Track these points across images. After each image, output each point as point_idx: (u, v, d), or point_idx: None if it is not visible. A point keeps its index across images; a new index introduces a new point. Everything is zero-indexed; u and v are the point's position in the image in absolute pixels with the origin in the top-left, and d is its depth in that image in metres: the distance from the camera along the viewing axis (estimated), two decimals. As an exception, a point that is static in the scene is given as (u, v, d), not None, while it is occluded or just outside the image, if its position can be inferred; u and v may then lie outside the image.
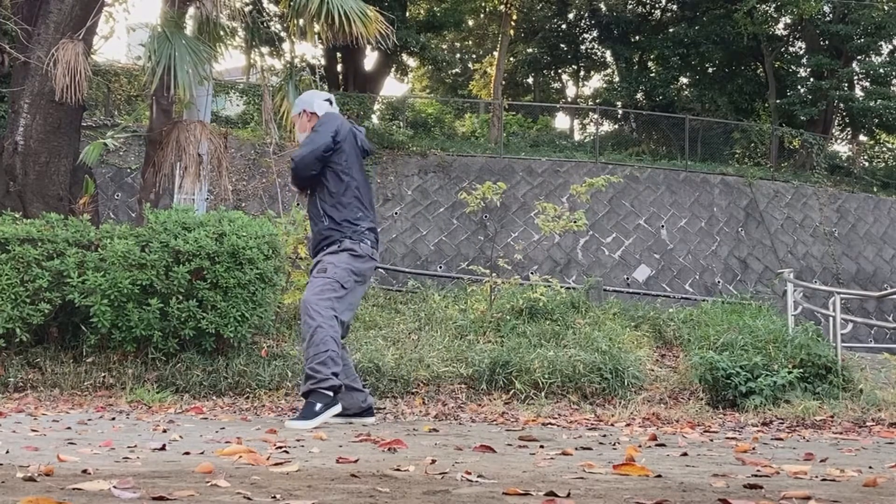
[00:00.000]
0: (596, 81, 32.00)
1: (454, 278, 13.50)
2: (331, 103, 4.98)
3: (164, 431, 3.89)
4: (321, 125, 4.75)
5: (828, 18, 24.01)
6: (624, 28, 27.71)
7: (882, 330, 16.58)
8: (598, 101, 28.83)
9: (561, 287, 9.20)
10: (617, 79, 28.83)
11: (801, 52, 26.33)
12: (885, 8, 22.80)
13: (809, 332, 7.73)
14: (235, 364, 6.46)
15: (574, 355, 7.03)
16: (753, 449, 3.66)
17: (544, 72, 31.18)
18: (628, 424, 5.14)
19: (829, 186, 20.48)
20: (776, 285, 16.91)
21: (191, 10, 8.05)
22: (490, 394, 6.72)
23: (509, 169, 18.57)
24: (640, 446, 3.63)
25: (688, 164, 20.34)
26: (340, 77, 22.69)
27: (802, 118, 23.34)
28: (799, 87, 24.72)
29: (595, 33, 29.35)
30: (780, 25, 25.83)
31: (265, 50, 22.09)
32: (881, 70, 23.68)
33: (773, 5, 22.93)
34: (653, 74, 27.42)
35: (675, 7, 28.14)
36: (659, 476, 2.52)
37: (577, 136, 28.77)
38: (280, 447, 3.25)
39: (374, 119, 22.12)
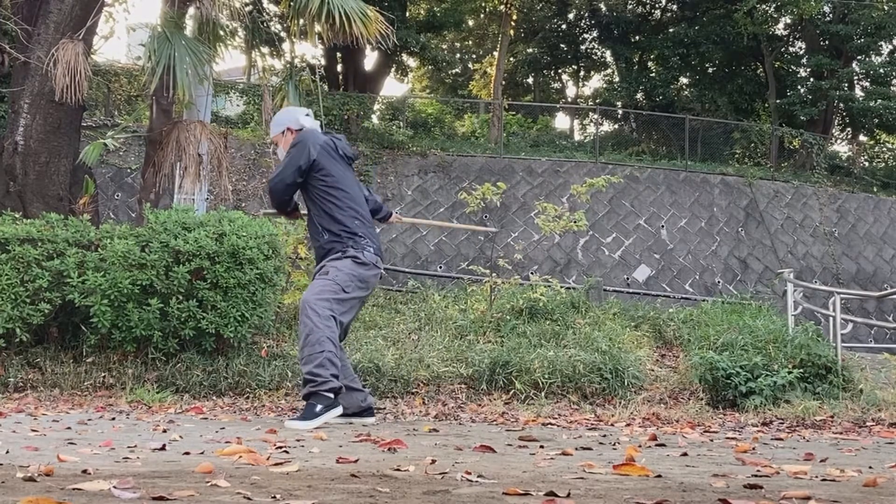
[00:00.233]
0: (596, 81, 32.05)
1: (454, 278, 13.51)
2: (309, 117, 4.94)
3: (164, 431, 3.89)
4: (294, 146, 4.71)
5: (828, 18, 24.01)
6: (624, 28, 27.71)
7: (882, 330, 16.57)
8: (598, 101, 28.83)
9: (561, 287, 9.20)
10: (617, 79, 28.83)
11: (801, 52, 26.33)
12: (885, 8, 22.79)
13: (809, 332, 7.73)
14: (235, 364, 6.46)
15: (574, 355, 7.03)
16: (753, 449, 3.66)
17: (544, 72, 31.17)
18: (628, 424, 5.14)
19: (829, 186, 20.48)
20: (776, 285, 16.91)
21: (191, 11, 8.05)
22: (490, 394, 6.72)
23: (509, 169, 18.57)
24: (640, 446, 3.63)
25: (688, 164, 20.34)
26: (340, 77, 22.69)
27: (802, 118, 23.34)
28: (799, 87, 24.72)
29: (595, 33, 29.35)
30: (780, 25, 25.84)
31: (265, 50, 22.15)
32: (881, 70, 23.68)
33: (773, 5, 22.92)
34: (653, 74, 27.42)
35: (675, 7, 28.14)
36: (659, 476, 2.52)
37: (577, 136, 28.78)
38: (280, 447, 3.25)
39: (374, 119, 22.12)
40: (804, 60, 25.31)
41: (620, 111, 26.91)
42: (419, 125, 23.08)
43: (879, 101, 22.82)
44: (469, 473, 2.45)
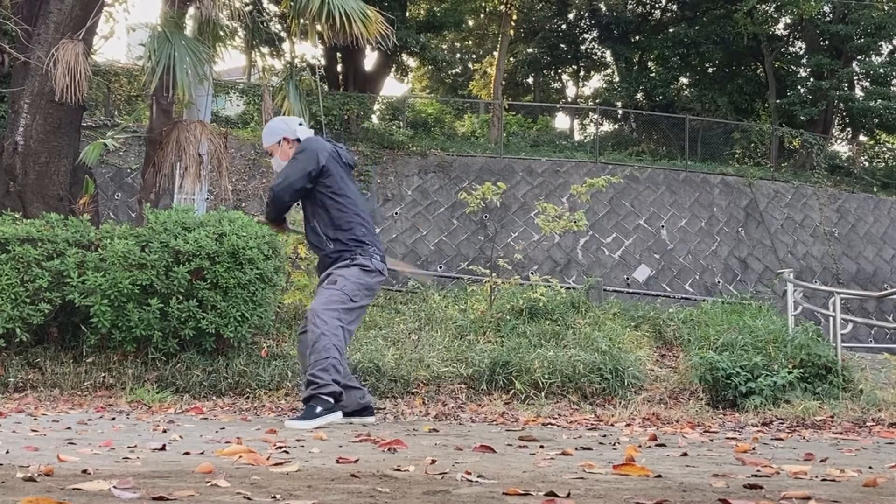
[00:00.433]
0: (596, 81, 32.05)
1: (454, 278, 13.50)
2: (303, 126, 4.90)
3: (164, 431, 3.89)
4: (301, 152, 4.65)
5: (828, 18, 24.01)
6: (624, 28, 27.71)
7: (882, 330, 16.57)
8: (598, 101, 28.83)
9: (561, 287, 9.20)
10: (617, 79, 28.83)
11: (801, 52, 26.33)
12: (885, 8, 22.79)
13: (809, 332, 7.73)
14: (235, 364, 6.46)
15: (574, 355, 7.03)
16: (753, 449, 3.66)
17: (544, 72, 31.17)
18: (628, 424, 5.14)
19: (829, 186, 20.48)
20: (776, 285, 16.91)
21: (191, 10, 8.05)
22: (490, 394, 6.72)
23: (509, 169, 18.57)
24: (640, 446, 3.62)
25: (688, 164, 20.34)
26: (340, 77, 22.70)
27: (802, 118, 23.35)
28: (799, 87, 24.72)
29: (595, 33, 29.35)
30: (780, 25, 25.84)
31: (265, 50, 22.16)
32: (881, 70, 23.68)
33: (773, 5, 22.92)
34: (653, 74, 27.42)
35: (675, 7, 28.14)
36: (659, 476, 2.52)
37: (577, 136, 28.78)
38: (280, 447, 3.25)
39: (374, 119, 22.12)
40: (804, 60, 25.31)
41: (620, 111, 26.91)
42: (419, 125, 23.08)
43: (879, 101, 22.82)
44: (469, 473, 2.45)
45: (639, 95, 27.06)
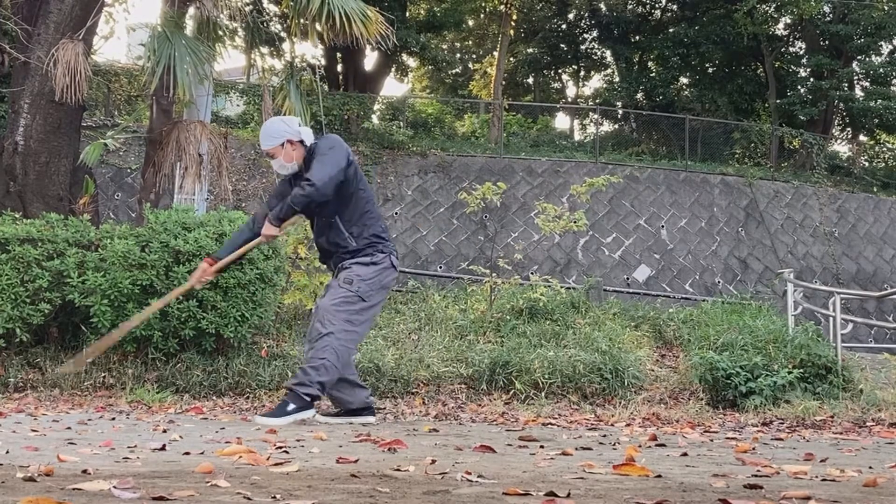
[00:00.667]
0: (596, 81, 32.04)
1: (454, 278, 13.50)
2: (303, 127, 4.87)
3: (164, 431, 3.89)
4: (331, 148, 4.52)
5: (828, 18, 24.01)
6: (624, 28, 27.71)
7: (882, 330, 16.57)
8: (598, 101, 28.83)
9: (561, 287, 9.20)
10: (617, 79, 28.83)
11: (801, 52, 26.33)
12: (885, 8, 22.79)
13: (809, 332, 7.73)
14: (235, 364, 6.47)
15: (574, 355, 7.03)
16: (753, 449, 3.66)
17: (544, 72, 31.18)
18: (628, 424, 5.14)
19: (829, 186, 20.48)
20: (776, 285, 16.91)
21: (191, 10, 8.05)
22: (490, 394, 6.72)
23: (509, 169, 18.57)
24: (640, 446, 3.62)
25: (688, 164, 20.34)
26: (340, 77, 22.70)
27: (802, 118, 23.34)
28: (799, 87, 24.72)
29: (595, 33, 29.35)
30: (780, 25, 25.84)
31: (265, 50, 22.12)
32: (881, 70, 23.68)
33: (773, 5, 22.92)
34: (653, 74, 27.42)
35: (675, 7, 28.14)
36: (659, 476, 2.52)
37: (577, 136, 28.78)
38: (280, 447, 3.25)
39: (374, 119, 22.12)
40: (804, 60, 25.31)
41: (620, 111, 26.91)
42: (419, 125, 23.08)
43: (879, 101, 22.82)
44: (469, 473, 2.45)
45: (639, 95, 27.06)
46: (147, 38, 7.53)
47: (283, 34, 20.63)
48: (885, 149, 26.62)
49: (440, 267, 16.68)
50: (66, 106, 7.19)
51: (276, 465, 2.64)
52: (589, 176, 13.78)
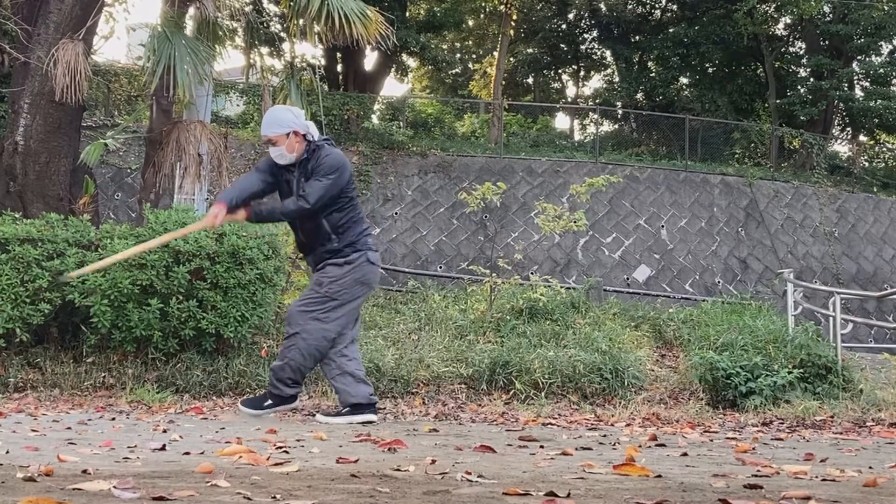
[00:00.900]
0: (596, 81, 32.05)
1: (454, 278, 13.51)
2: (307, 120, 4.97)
3: (164, 431, 3.89)
4: (336, 171, 4.63)
5: (828, 18, 24.01)
6: (624, 28, 27.71)
7: (882, 330, 16.57)
8: (598, 101, 28.84)
9: (561, 287, 9.20)
10: (617, 79, 28.84)
11: (801, 52, 26.34)
12: (885, 8, 22.79)
13: (809, 332, 7.73)
14: (235, 364, 6.46)
15: (574, 355, 7.03)
16: (753, 449, 3.66)
17: (544, 72, 31.18)
18: (628, 424, 5.14)
19: (829, 186, 20.48)
20: (776, 285, 16.91)
21: (191, 10, 8.05)
22: (490, 394, 6.72)
23: (509, 169, 18.57)
24: (640, 446, 3.62)
25: (688, 164, 20.34)
26: (340, 77, 22.70)
27: (802, 118, 23.34)
28: (799, 87, 24.73)
29: (595, 33, 29.36)
30: (780, 25, 25.84)
31: (265, 50, 22.12)
32: (881, 70, 23.68)
33: (773, 5, 22.92)
34: (653, 74, 27.42)
35: (675, 7, 28.14)
36: (659, 476, 2.52)
37: (577, 136, 28.78)
38: (280, 447, 3.25)
39: (374, 119, 22.12)
40: (804, 60, 25.31)
41: (620, 111, 26.91)
42: (419, 125, 23.08)
43: (879, 101, 22.83)
44: (469, 473, 2.45)
45: (639, 95, 27.06)
46: (147, 38, 7.53)
47: (282, 34, 20.62)
48: (885, 149, 26.62)
49: (440, 267, 16.68)
50: (66, 106, 7.19)
51: (276, 465, 2.64)
52: (589, 176, 13.77)
